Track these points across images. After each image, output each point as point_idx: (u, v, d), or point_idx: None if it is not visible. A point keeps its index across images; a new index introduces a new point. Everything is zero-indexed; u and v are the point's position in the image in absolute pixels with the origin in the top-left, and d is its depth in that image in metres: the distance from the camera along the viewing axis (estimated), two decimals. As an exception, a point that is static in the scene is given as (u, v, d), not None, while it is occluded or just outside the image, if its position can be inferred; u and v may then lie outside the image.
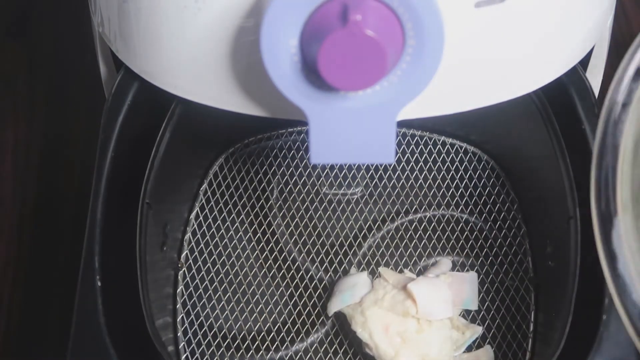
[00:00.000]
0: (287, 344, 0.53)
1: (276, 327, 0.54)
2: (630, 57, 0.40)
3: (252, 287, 0.55)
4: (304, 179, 0.59)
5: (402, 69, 0.39)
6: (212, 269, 0.55)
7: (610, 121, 0.40)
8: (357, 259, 0.56)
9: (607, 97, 0.40)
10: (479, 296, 0.53)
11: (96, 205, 0.48)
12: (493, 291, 0.54)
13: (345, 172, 0.58)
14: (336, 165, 0.58)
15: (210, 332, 0.53)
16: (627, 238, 0.39)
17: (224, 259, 0.56)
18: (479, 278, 0.54)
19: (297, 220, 0.57)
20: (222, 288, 0.55)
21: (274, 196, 0.58)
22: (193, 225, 0.57)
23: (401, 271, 0.54)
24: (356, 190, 0.58)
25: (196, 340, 0.53)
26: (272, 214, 0.57)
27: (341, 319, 0.53)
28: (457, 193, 0.58)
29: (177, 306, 0.54)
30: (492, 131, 0.57)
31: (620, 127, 0.40)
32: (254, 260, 0.56)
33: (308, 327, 0.53)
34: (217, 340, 0.53)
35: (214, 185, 0.58)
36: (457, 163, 0.59)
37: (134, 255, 0.47)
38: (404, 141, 0.59)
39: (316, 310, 0.54)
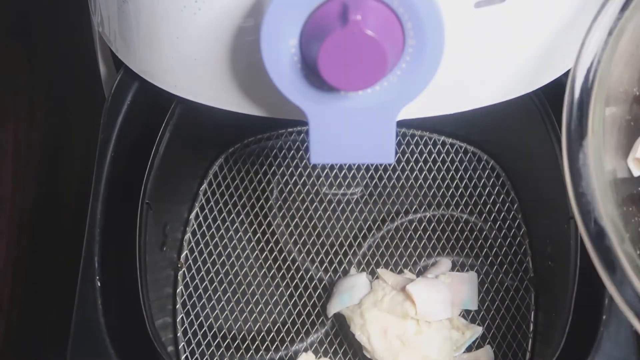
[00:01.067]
0: (287, 344, 0.53)
1: (276, 327, 0.54)
2: None
3: (252, 287, 0.55)
4: (304, 179, 0.58)
5: (402, 69, 0.39)
6: (212, 269, 0.55)
7: (590, 46, 0.40)
8: (357, 259, 0.56)
9: (589, 26, 0.40)
10: (478, 296, 0.53)
11: (96, 205, 0.48)
12: (493, 291, 0.54)
13: (345, 172, 0.58)
14: (336, 165, 0.58)
15: (210, 332, 0.53)
16: (593, 158, 0.39)
17: (224, 259, 0.56)
18: (479, 278, 0.54)
19: (297, 220, 0.57)
20: (222, 288, 0.55)
21: (274, 196, 0.58)
22: (193, 225, 0.57)
23: (401, 271, 0.54)
24: (356, 190, 0.58)
25: (196, 340, 0.53)
26: (272, 214, 0.57)
27: (341, 319, 0.53)
28: (457, 193, 0.58)
29: (177, 306, 0.54)
30: (492, 131, 0.57)
31: (601, 55, 0.40)
32: (254, 260, 0.56)
33: (308, 327, 0.53)
34: (217, 340, 0.53)
35: (214, 185, 0.58)
36: (457, 163, 0.59)
37: (134, 255, 0.47)
38: (404, 141, 0.59)
39: (316, 311, 0.54)
